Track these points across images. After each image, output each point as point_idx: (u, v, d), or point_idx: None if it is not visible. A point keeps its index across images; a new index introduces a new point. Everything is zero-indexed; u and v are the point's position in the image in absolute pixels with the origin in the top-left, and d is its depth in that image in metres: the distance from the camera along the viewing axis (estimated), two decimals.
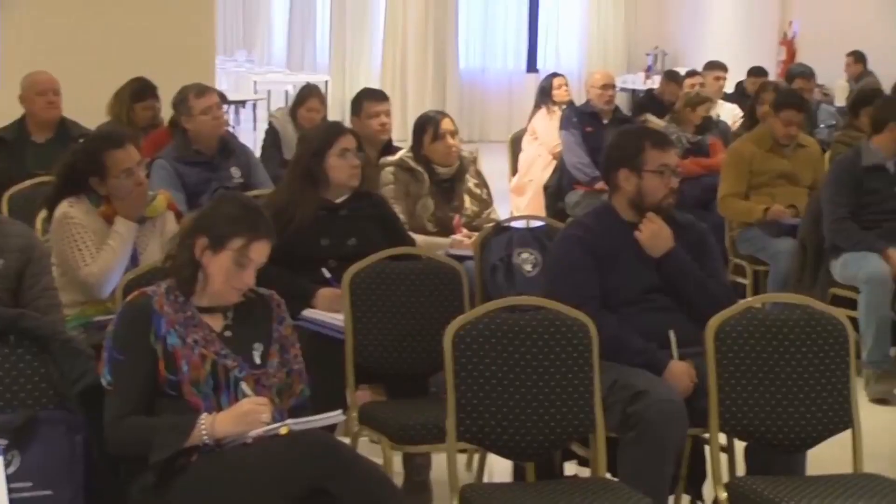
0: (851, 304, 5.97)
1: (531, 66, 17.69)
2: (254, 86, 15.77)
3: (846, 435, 3.85)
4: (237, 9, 18.14)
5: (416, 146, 5.81)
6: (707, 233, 4.42)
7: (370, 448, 4.35)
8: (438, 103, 15.69)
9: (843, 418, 3.83)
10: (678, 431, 3.83)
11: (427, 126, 5.80)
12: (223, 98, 6.69)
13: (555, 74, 9.84)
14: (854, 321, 5.74)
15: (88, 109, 6.90)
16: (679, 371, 3.99)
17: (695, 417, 3.87)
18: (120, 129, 5.82)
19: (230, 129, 8.26)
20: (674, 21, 17.59)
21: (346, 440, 4.10)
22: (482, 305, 3.91)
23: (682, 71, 11.46)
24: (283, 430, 3.26)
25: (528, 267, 5.08)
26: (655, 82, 13.08)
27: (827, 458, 3.96)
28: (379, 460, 3.91)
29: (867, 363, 5.98)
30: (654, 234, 4.20)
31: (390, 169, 5.76)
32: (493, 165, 8.76)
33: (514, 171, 9.33)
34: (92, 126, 6.37)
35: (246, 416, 3.30)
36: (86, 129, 6.43)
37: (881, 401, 5.91)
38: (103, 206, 4.58)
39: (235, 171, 6.07)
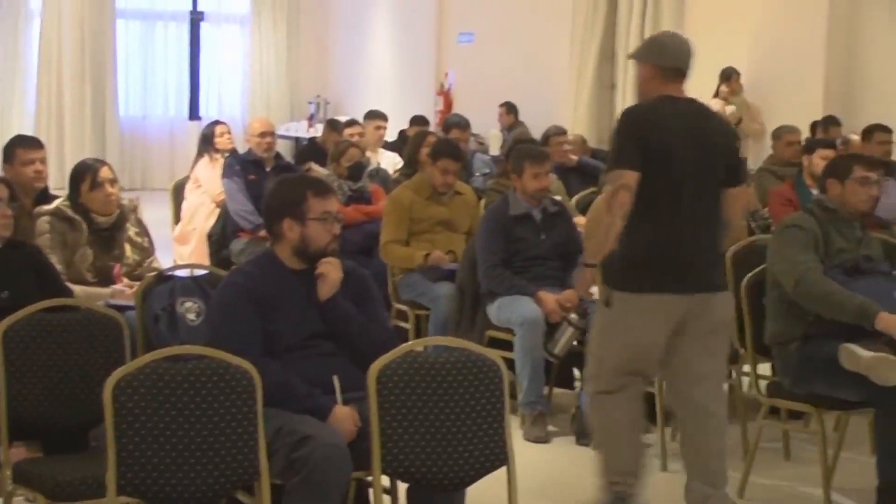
0: (509, 346, 6.21)
1: (193, 114, 17.55)
2: None
3: (502, 471, 4.00)
4: None
5: (74, 195, 5.67)
6: (369, 278, 4.51)
7: None
8: (97, 151, 15.35)
9: (498, 456, 3.97)
10: (342, 475, 3.88)
11: (85, 174, 5.67)
12: None
13: (217, 122, 9.80)
14: (511, 362, 5.99)
15: None
16: (343, 415, 4.05)
17: (358, 460, 3.93)
18: None
19: None
20: (335, 70, 17.88)
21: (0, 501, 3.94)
22: (144, 356, 3.85)
23: (345, 119, 11.64)
24: None
25: (191, 316, 5.03)
26: (319, 130, 13.22)
27: (484, 494, 4.10)
28: None
29: (523, 404, 6.22)
30: (339, 276, 4.27)
31: (46, 218, 5.59)
32: (155, 213, 8.63)
33: (177, 219, 9.22)
34: None
35: None
36: None
37: (536, 439, 6.15)
38: None
39: None
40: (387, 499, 4.02)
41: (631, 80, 12.91)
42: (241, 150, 9.28)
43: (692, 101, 4.71)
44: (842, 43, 11.30)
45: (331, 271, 4.27)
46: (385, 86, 16.52)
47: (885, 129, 9.35)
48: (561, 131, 9.63)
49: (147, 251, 5.85)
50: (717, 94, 11.76)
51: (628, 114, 4.68)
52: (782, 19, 11.62)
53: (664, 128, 4.53)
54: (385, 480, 3.96)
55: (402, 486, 4.06)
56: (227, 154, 9.09)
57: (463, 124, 10.42)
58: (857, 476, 5.34)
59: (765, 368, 5.52)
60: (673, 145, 4.51)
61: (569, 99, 13.58)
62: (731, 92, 11.71)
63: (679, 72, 4.65)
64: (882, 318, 4.85)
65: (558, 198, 7.10)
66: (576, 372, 7.04)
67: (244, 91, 17.80)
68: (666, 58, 4.66)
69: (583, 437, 6.12)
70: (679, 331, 4.64)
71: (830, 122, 10.57)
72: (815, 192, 5.99)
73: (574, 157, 9.53)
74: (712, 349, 4.72)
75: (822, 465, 5.08)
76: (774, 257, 5.15)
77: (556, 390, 6.85)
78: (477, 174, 9.85)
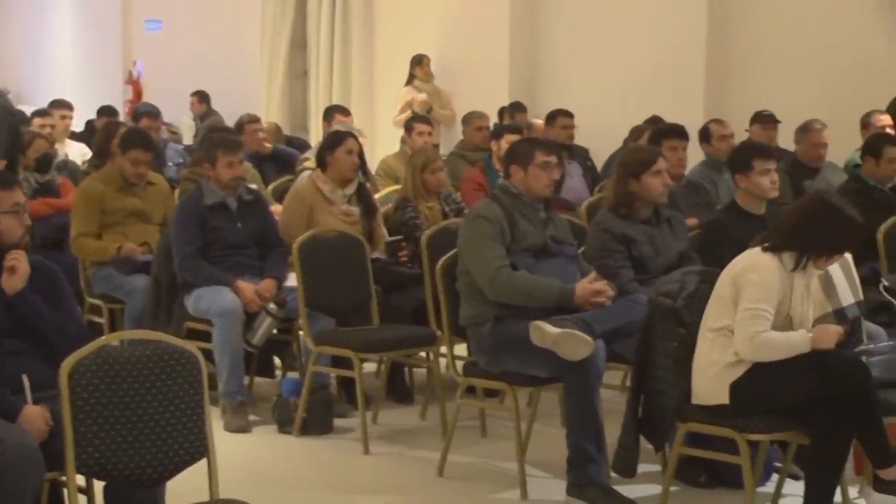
0: (207, 337, 6.13)
1: None
2: None
3: (203, 463, 3.96)
4: None
5: None
6: (58, 273, 4.38)
7: None
8: None
9: (198, 448, 3.92)
10: (34, 477, 3.75)
11: None
12: None
13: None
14: (210, 353, 5.92)
15: None
16: (33, 415, 3.91)
17: (51, 461, 3.81)
18: None
19: None
20: (15, 58, 17.18)
21: None
22: None
23: (30, 111, 11.19)
24: None
25: None
26: None
27: (185, 487, 4.04)
28: None
29: (224, 394, 6.17)
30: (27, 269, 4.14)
31: None
32: None
33: None
34: None
35: None
36: None
37: (237, 429, 6.12)
38: None
39: None
40: (83, 499, 3.91)
41: (324, 67, 12.99)
42: None
43: None
44: (525, 30, 11.67)
45: (19, 263, 4.12)
46: (69, 74, 16.00)
47: (567, 114, 9.73)
48: (254, 119, 9.58)
49: None
50: (409, 82, 11.94)
51: None
52: (467, 6, 11.92)
53: None
54: (80, 480, 3.86)
55: (100, 485, 3.96)
56: None
57: (154, 113, 10.23)
58: (550, 449, 5.55)
59: (461, 349, 5.67)
60: None
61: (261, 87, 13.53)
62: (424, 76, 11.91)
63: None
64: (577, 293, 5.10)
65: (254, 186, 7.07)
66: (276, 360, 7.05)
67: None
68: None
69: (285, 426, 6.13)
70: None
71: (517, 107, 10.92)
72: None
73: (268, 145, 9.51)
74: None
75: (516, 440, 5.26)
76: (465, 247, 5.28)
77: (257, 379, 6.84)
78: (170, 164, 9.68)
